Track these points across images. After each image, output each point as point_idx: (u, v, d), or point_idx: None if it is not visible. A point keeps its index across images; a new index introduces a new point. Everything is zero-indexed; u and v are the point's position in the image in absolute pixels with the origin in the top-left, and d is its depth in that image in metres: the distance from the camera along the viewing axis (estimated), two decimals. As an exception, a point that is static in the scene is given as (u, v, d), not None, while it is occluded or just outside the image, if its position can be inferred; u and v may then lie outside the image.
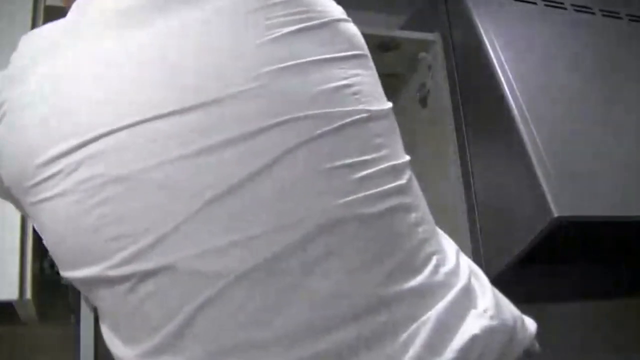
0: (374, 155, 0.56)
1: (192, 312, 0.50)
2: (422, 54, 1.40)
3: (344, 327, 0.49)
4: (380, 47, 1.37)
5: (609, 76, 1.30)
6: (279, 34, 0.57)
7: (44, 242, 0.60)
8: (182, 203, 0.51)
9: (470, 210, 1.25)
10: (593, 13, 1.41)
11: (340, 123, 0.55)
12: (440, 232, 0.61)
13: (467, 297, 0.55)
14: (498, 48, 1.24)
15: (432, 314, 0.51)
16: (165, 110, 0.53)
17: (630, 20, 1.44)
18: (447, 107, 1.33)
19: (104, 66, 0.57)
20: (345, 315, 0.49)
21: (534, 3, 1.37)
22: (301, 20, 0.58)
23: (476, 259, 1.21)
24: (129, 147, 0.53)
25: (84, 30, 0.59)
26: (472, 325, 0.52)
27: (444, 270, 0.55)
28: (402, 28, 1.52)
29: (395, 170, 0.57)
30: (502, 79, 1.19)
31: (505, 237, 1.15)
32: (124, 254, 0.52)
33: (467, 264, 0.60)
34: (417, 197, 0.59)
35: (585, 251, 1.37)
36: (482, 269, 1.30)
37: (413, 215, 0.56)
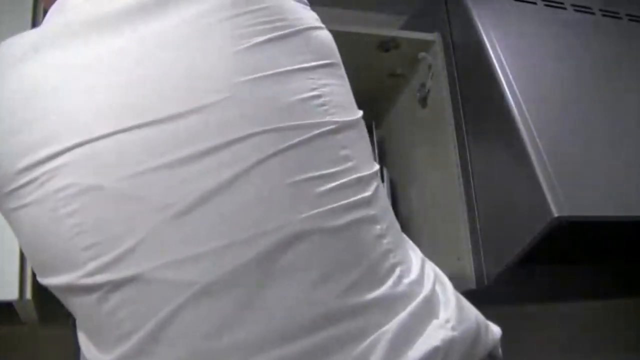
0: (339, 168, 0.56)
1: (162, 320, 0.51)
2: (422, 54, 1.40)
3: (303, 337, 0.50)
4: (380, 47, 1.37)
5: (609, 76, 1.30)
6: (250, 44, 0.57)
7: (21, 247, 0.61)
8: (151, 214, 0.52)
9: (470, 210, 1.25)
10: (593, 13, 1.41)
11: (306, 136, 0.55)
12: (406, 239, 0.62)
13: (429, 307, 0.56)
14: (498, 48, 1.24)
15: (393, 324, 0.52)
16: (136, 122, 0.54)
17: (630, 20, 1.44)
18: (447, 107, 1.33)
19: (78, 74, 0.57)
20: (304, 326, 0.50)
21: (534, 3, 1.37)
22: (273, 29, 0.58)
23: (476, 259, 1.21)
24: (102, 157, 0.54)
25: (61, 36, 0.59)
26: (433, 336, 0.53)
27: (407, 280, 0.56)
28: (402, 28, 1.52)
29: (361, 182, 0.57)
30: (502, 79, 1.19)
31: (505, 237, 1.15)
32: (96, 263, 0.53)
33: (432, 272, 0.60)
34: (383, 207, 0.59)
35: (585, 251, 1.37)
36: (482, 269, 1.31)
37: (378, 227, 0.57)
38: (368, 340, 0.51)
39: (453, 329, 0.55)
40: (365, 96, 1.79)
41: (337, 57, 0.64)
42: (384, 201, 0.61)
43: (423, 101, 1.41)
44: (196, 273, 0.51)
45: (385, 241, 0.57)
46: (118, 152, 0.54)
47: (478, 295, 1.26)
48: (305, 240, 0.52)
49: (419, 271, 0.58)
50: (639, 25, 1.44)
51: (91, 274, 0.53)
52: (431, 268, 0.62)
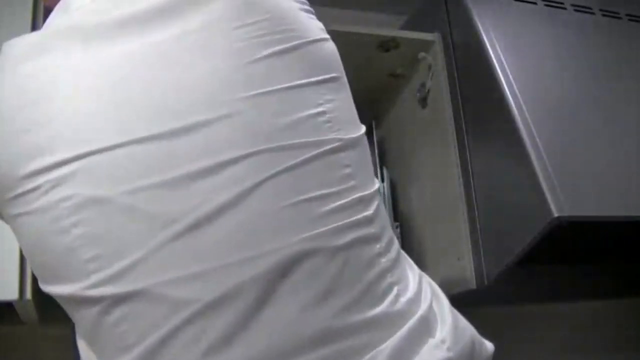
0: (341, 187, 0.56)
1: (163, 335, 0.51)
2: (422, 54, 1.40)
3: (301, 355, 0.50)
4: (380, 47, 1.37)
5: (609, 76, 1.30)
6: (253, 58, 0.56)
7: (24, 253, 0.60)
8: (155, 230, 0.52)
9: (470, 210, 1.25)
10: (593, 13, 1.41)
11: (310, 154, 0.55)
12: (404, 256, 0.62)
13: (425, 325, 0.55)
14: (498, 48, 1.24)
15: (390, 343, 0.52)
16: (142, 135, 0.54)
17: (630, 20, 1.44)
18: (447, 107, 1.33)
19: (84, 78, 0.57)
20: (303, 344, 0.50)
21: (534, 3, 1.37)
22: (277, 42, 0.58)
23: (476, 259, 1.21)
24: (109, 168, 0.54)
25: (64, 39, 0.59)
26: (429, 356, 0.53)
27: (404, 299, 0.56)
28: (402, 28, 1.52)
29: (363, 202, 0.57)
30: (502, 79, 1.19)
31: (505, 237, 1.15)
32: (100, 275, 0.53)
33: (429, 289, 0.60)
34: (383, 225, 0.59)
35: (585, 251, 1.37)
36: (482, 269, 1.31)
37: (377, 246, 0.57)
38: (365, 359, 0.51)
39: (449, 349, 0.55)
40: (365, 96, 1.79)
41: (341, 71, 0.64)
42: (384, 219, 0.60)
43: (423, 101, 1.41)
44: (199, 290, 0.51)
45: (383, 260, 0.56)
46: (125, 165, 0.54)
47: (478, 295, 1.26)
48: (306, 260, 0.52)
49: (416, 289, 0.58)
50: (639, 25, 1.44)
51: (94, 285, 0.53)
52: (428, 285, 0.61)
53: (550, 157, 1.09)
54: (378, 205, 0.59)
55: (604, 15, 1.42)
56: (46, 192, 0.54)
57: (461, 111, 1.31)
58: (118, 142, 0.54)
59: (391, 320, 0.54)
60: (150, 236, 0.52)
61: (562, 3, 1.39)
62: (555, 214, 1.01)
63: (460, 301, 1.42)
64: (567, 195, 1.04)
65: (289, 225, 0.53)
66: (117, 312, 0.52)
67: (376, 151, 1.47)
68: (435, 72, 1.38)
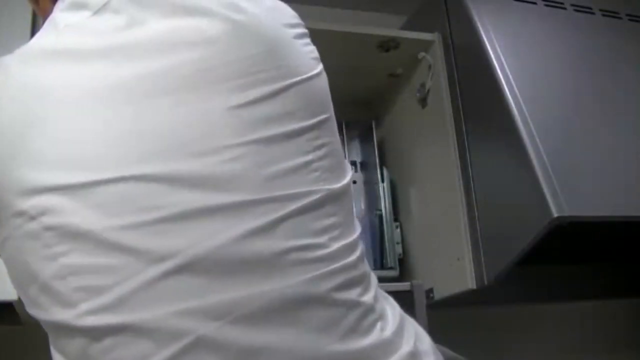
0: (328, 237, 0.57)
1: None
2: (422, 54, 1.40)
3: None
4: (380, 47, 1.37)
5: (609, 76, 1.30)
6: (248, 100, 0.56)
7: (10, 278, 0.60)
8: (143, 267, 0.52)
9: (470, 210, 1.25)
10: (593, 13, 1.41)
11: (297, 206, 0.56)
12: (383, 295, 0.63)
13: (414, 358, 0.57)
14: (498, 48, 1.24)
15: None
16: (130, 172, 0.54)
17: (630, 20, 1.44)
18: (447, 107, 1.33)
19: (75, 105, 0.56)
20: None
21: (534, 3, 1.37)
22: (273, 80, 0.57)
23: (476, 259, 1.21)
24: (102, 202, 0.53)
25: (55, 61, 0.59)
26: None
27: (388, 332, 0.57)
28: (402, 28, 1.52)
29: (348, 249, 0.59)
30: (502, 79, 1.19)
31: (505, 237, 1.15)
32: (89, 305, 0.52)
33: (412, 328, 0.62)
34: (364, 266, 0.61)
35: (585, 251, 1.37)
36: (482, 269, 1.31)
37: (360, 287, 0.58)
38: None
39: None
40: (365, 96, 1.79)
41: (331, 110, 0.63)
42: (365, 262, 0.62)
43: (423, 101, 1.41)
44: (191, 324, 0.51)
45: (365, 298, 0.58)
46: (118, 200, 0.53)
47: (478, 295, 1.26)
48: (298, 303, 0.54)
49: (397, 325, 0.59)
50: (639, 25, 1.44)
51: (83, 314, 0.53)
52: (411, 324, 0.63)
53: (550, 157, 1.09)
54: (361, 249, 0.61)
55: (604, 15, 1.42)
56: (33, 218, 0.54)
57: (461, 111, 1.31)
58: (111, 176, 0.54)
59: (381, 350, 0.56)
60: (140, 272, 0.52)
61: (562, 3, 1.39)
62: (555, 214, 1.02)
63: (460, 301, 1.42)
64: (567, 195, 1.04)
65: (280, 269, 0.54)
66: (107, 342, 0.52)
67: (376, 151, 1.47)
68: (435, 72, 1.38)
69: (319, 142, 0.59)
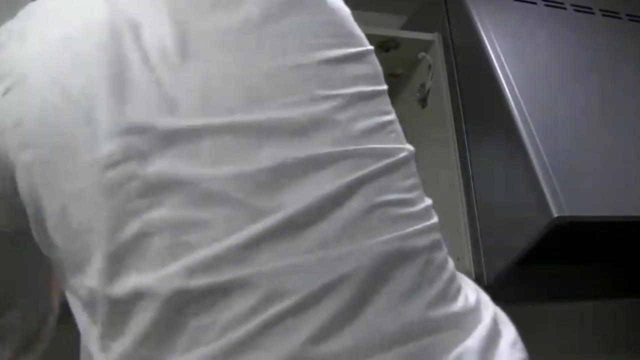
0: (413, 195, 0.58)
1: (262, 323, 0.48)
2: (422, 54, 1.40)
3: (394, 347, 0.50)
4: (380, 47, 1.37)
5: (609, 76, 1.30)
6: (327, 57, 0.58)
7: (55, 236, 0.53)
8: (247, 220, 0.50)
9: (470, 210, 1.25)
10: (593, 13, 1.41)
11: (386, 162, 0.56)
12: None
13: (497, 327, 0.57)
14: (498, 48, 1.24)
15: (474, 340, 0.53)
16: (233, 119, 0.53)
17: (630, 20, 1.44)
18: (447, 107, 1.34)
19: (181, 49, 0.55)
20: (396, 337, 0.50)
21: (534, 3, 1.37)
22: (347, 45, 0.60)
23: (476, 259, 1.21)
24: (201, 150, 0.51)
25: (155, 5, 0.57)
26: (509, 355, 0.55)
27: (472, 299, 0.57)
28: (402, 28, 1.52)
29: (429, 210, 0.60)
30: (502, 79, 1.19)
31: (505, 237, 1.15)
32: (179, 265, 0.49)
33: (486, 296, 0.61)
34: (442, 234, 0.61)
35: (585, 251, 1.37)
36: (482, 269, 1.31)
37: (444, 251, 0.58)
38: (454, 353, 0.51)
39: (522, 350, 0.57)
40: (365, 96, 1.76)
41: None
42: None
43: (423, 101, 1.41)
44: (299, 282, 0.49)
45: (449, 265, 0.58)
46: (218, 148, 0.51)
47: (478, 295, 1.26)
48: (394, 258, 0.53)
49: (477, 294, 0.59)
50: (639, 25, 1.44)
51: (171, 277, 0.48)
52: (483, 293, 0.62)
53: (550, 157, 1.09)
54: (436, 218, 0.61)
55: (604, 15, 1.42)
56: (115, 164, 0.50)
57: (461, 111, 1.31)
58: (211, 122, 0.51)
59: (469, 316, 0.55)
60: (245, 224, 0.50)
61: (562, 3, 1.39)
62: (555, 214, 1.02)
63: (460, 301, 1.41)
64: (567, 195, 1.04)
65: (376, 225, 0.53)
66: (200, 305, 0.48)
67: (376, 151, 1.47)
68: (435, 72, 1.38)
69: (389, 107, 0.62)
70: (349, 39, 0.61)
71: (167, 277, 0.49)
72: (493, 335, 0.55)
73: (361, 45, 0.62)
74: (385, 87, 0.63)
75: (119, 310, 0.50)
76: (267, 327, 0.48)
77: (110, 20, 0.55)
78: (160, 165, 0.50)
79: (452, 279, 0.56)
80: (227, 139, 0.52)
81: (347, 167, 0.54)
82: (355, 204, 0.53)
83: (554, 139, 1.13)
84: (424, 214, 0.58)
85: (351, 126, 0.56)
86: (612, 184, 1.12)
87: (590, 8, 1.41)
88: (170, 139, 0.51)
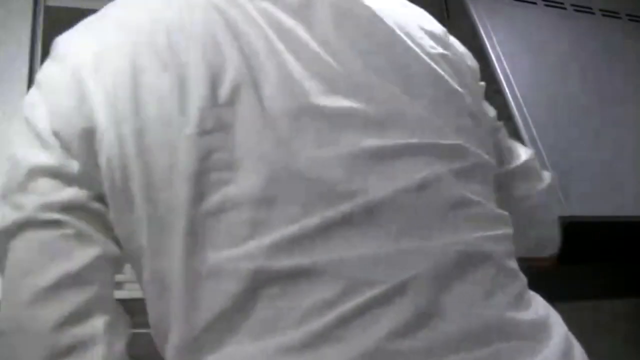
0: (491, 200, 0.58)
1: (345, 313, 0.47)
2: (422, 54, 1.40)
3: (478, 346, 0.49)
4: (380, 47, 1.37)
5: (609, 76, 1.30)
6: (430, 54, 0.62)
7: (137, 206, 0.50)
8: (337, 200, 0.49)
9: (470, 210, 1.24)
10: (593, 13, 1.41)
11: (471, 162, 0.57)
12: None
13: (570, 343, 0.58)
14: (498, 47, 1.23)
15: (553, 348, 0.53)
16: (318, 101, 0.53)
17: (630, 20, 1.44)
18: (447, 107, 1.33)
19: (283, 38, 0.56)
20: (479, 335, 0.49)
21: (534, 3, 1.37)
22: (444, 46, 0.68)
23: (476, 259, 1.21)
24: (302, 129, 0.51)
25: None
26: None
27: (542, 312, 0.57)
28: (402, 28, 1.52)
29: (504, 219, 0.59)
30: (502, 78, 1.19)
31: (505, 237, 1.15)
32: (258, 243, 0.47)
33: (558, 316, 0.62)
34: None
35: (585, 251, 1.37)
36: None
37: (514, 262, 0.58)
38: (540, 356, 0.51)
39: None
40: (365, 96, 1.76)
41: None
42: None
43: (423, 101, 1.41)
44: (381, 274, 0.48)
45: (521, 276, 0.58)
46: (312, 130, 0.51)
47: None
48: (472, 259, 0.52)
49: (547, 310, 0.60)
50: (639, 25, 1.44)
51: (252, 255, 0.47)
52: (554, 311, 0.63)
53: (550, 157, 1.08)
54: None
55: (603, 15, 1.42)
56: (203, 133, 0.49)
57: (461, 111, 1.31)
58: (305, 104, 0.52)
59: (539, 328, 0.54)
60: (328, 205, 0.48)
61: (562, 3, 1.39)
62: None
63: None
64: (567, 195, 1.04)
65: (453, 222, 0.53)
66: (277, 287, 0.46)
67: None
68: (435, 72, 1.37)
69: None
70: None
71: (245, 255, 0.47)
72: (568, 348, 0.56)
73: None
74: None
75: (194, 287, 0.48)
76: (346, 320, 0.47)
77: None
78: (249, 140, 0.50)
79: (523, 289, 0.56)
80: (316, 123, 0.52)
81: (432, 158, 0.54)
82: (434, 198, 0.52)
83: (554, 139, 1.13)
84: (500, 220, 0.58)
85: (455, 120, 0.58)
86: (612, 183, 1.12)
87: (590, 8, 1.41)
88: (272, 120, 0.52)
